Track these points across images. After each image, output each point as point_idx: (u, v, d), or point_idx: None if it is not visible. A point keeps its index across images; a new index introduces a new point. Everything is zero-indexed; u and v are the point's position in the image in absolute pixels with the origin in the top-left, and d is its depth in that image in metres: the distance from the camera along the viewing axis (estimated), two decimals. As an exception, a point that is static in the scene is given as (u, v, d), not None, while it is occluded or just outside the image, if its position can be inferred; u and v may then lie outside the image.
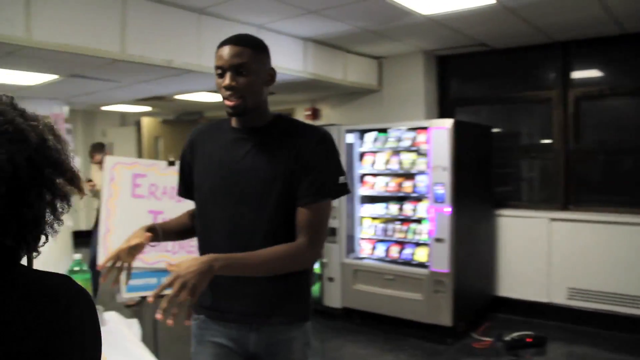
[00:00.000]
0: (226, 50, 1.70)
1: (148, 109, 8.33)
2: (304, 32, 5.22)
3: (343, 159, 5.24)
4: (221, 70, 1.71)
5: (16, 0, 3.53)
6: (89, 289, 2.79)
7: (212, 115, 8.58)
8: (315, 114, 7.11)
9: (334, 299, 5.47)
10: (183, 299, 1.47)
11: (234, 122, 1.84)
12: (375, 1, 4.20)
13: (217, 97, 6.77)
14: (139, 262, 3.35)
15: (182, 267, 1.50)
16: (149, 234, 1.82)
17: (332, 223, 5.46)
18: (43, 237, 0.92)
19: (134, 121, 9.05)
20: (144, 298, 3.30)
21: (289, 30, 5.13)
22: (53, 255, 5.06)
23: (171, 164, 3.62)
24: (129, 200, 3.31)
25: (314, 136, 1.78)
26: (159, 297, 1.52)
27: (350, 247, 5.52)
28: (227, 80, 1.69)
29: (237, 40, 1.72)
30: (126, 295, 3.26)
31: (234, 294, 1.80)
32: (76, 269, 2.74)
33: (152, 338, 3.27)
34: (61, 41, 3.73)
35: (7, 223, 0.80)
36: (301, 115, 7.30)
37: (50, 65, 4.29)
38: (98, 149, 6.31)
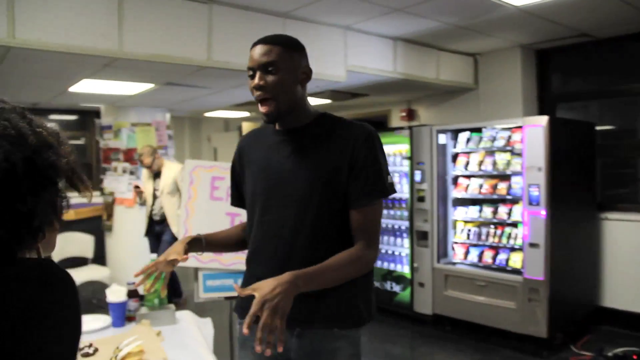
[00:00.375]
0: (256, 50, 1.66)
1: (247, 114, 8.58)
2: (393, 31, 5.12)
3: (435, 160, 5.16)
4: (252, 72, 1.67)
5: (110, 16, 3.77)
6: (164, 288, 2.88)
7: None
8: (410, 115, 6.96)
9: (424, 304, 5.30)
10: (278, 325, 1.42)
11: (277, 125, 1.81)
12: (462, -5, 4.04)
13: (318, 100, 6.83)
14: (216, 263, 3.46)
15: (265, 289, 1.45)
16: (185, 257, 1.82)
17: (424, 227, 5.31)
18: (41, 234, 0.96)
19: (236, 126, 9.37)
20: (229, 298, 3.36)
21: (377, 30, 5.06)
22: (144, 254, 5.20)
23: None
24: (208, 202, 3.39)
25: (360, 134, 1.69)
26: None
27: (442, 252, 5.33)
28: (256, 79, 1.65)
29: (267, 40, 1.67)
30: (203, 295, 3.34)
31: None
32: (153, 268, 2.84)
33: (227, 338, 3.34)
34: (151, 51, 3.93)
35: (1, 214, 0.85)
36: (397, 116, 7.18)
37: (143, 75, 4.53)
38: (145, 154, 5.57)
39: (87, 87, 5.01)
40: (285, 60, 1.65)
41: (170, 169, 5.52)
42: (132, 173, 6.30)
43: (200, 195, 3.42)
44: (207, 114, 8.85)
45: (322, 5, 4.33)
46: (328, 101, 6.85)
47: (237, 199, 1.99)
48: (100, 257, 6.39)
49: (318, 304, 1.70)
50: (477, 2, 4.20)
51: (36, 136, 0.90)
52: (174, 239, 5.40)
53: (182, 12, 4.07)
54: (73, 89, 5.13)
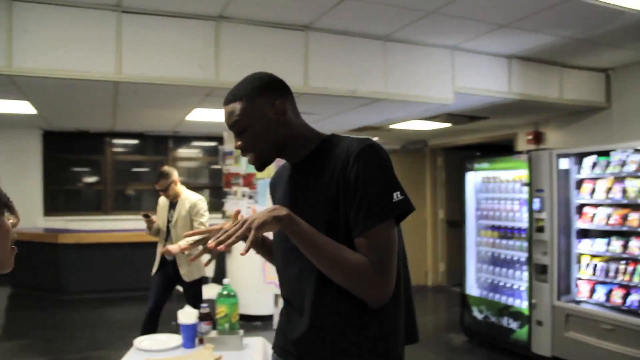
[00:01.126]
0: (224, 113, 1.63)
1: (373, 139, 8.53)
2: (505, 49, 4.80)
3: (556, 187, 4.69)
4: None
5: (207, 47, 3.97)
6: (235, 313, 2.89)
7: (437, 143, 8.41)
8: (537, 138, 6.46)
9: (542, 345, 4.80)
10: (241, 232, 1.39)
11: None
12: (572, 5, 3.67)
13: (436, 125, 6.62)
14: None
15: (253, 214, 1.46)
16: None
17: (543, 260, 4.83)
18: None
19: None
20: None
21: (487, 48, 4.78)
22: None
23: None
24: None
25: (353, 152, 1.49)
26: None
27: (564, 288, 4.80)
28: (235, 142, 1.62)
29: (226, 100, 1.62)
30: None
31: (291, 328, 1.65)
32: (225, 293, 2.86)
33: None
34: (247, 79, 4.04)
35: None
36: (523, 140, 6.70)
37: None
38: (162, 176, 4.68)
39: (201, 115, 5.28)
40: (249, 112, 1.56)
41: (187, 200, 4.69)
42: (250, 197, 6.51)
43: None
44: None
45: (423, 25, 4.18)
46: (446, 125, 6.59)
47: None
48: (220, 277, 6.65)
49: (339, 343, 1.55)
50: (592, 12, 3.79)
51: None
52: (196, 288, 4.74)
53: (277, 39, 4.16)
54: (190, 117, 5.45)
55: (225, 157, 6.76)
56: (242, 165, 6.55)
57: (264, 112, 1.57)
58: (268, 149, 1.60)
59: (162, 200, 4.88)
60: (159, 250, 4.74)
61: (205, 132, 8.11)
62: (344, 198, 1.49)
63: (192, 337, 2.79)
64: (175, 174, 4.68)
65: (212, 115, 5.34)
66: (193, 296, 4.63)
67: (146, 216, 4.66)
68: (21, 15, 3.58)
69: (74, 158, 9.22)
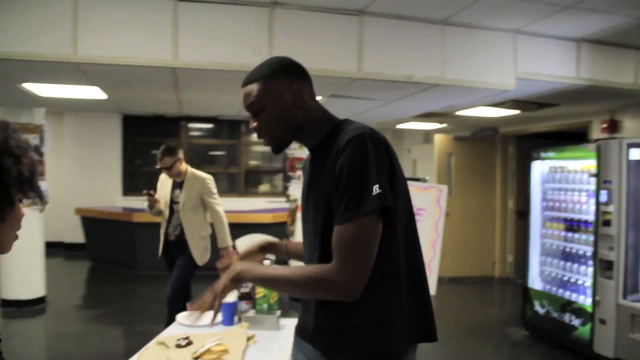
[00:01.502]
0: (242, 95, 1.63)
1: (439, 125, 8.36)
2: (573, 32, 4.55)
3: (625, 179, 4.42)
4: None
5: (261, 34, 4.02)
6: (274, 294, 2.94)
7: (508, 130, 8.12)
8: (613, 126, 6.09)
9: (605, 345, 4.56)
10: (210, 303, 1.62)
11: None
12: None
13: (504, 112, 6.40)
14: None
15: (220, 280, 1.62)
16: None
17: (609, 255, 4.58)
18: None
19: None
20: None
21: (552, 31, 4.54)
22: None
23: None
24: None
25: (342, 142, 1.48)
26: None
27: (631, 287, 4.53)
28: (251, 124, 1.63)
29: (244, 81, 1.62)
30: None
31: (305, 312, 1.69)
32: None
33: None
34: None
35: None
36: (597, 129, 6.34)
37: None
38: (167, 153, 4.47)
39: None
40: (266, 94, 1.57)
41: (196, 180, 4.50)
42: (312, 182, 6.58)
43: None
44: (402, 126, 8.84)
45: (481, 8, 4.03)
46: (515, 112, 6.33)
47: None
48: (281, 260, 6.77)
49: (326, 330, 1.58)
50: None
51: (4, 144, 1.06)
52: (190, 264, 4.47)
53: (331, 24, 4.14)
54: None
55: (289, 142, 6.86)
56: (306, 150, 6.62)
57: (281, 94, 1.58)
58: (284, 132, 1.62)
59: (164, 179, 4.63)
60: (162, 232, 4.60)
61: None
62: (334, 189, 1.48)
63: (231, 315, 2.87)
64: (180, 152, 4.47)
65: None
66: (183, 274, 4.45)
67: (149, 195, 4.45)
68: (85, 5, 3.77)
69: (151, 141, 9.65)
